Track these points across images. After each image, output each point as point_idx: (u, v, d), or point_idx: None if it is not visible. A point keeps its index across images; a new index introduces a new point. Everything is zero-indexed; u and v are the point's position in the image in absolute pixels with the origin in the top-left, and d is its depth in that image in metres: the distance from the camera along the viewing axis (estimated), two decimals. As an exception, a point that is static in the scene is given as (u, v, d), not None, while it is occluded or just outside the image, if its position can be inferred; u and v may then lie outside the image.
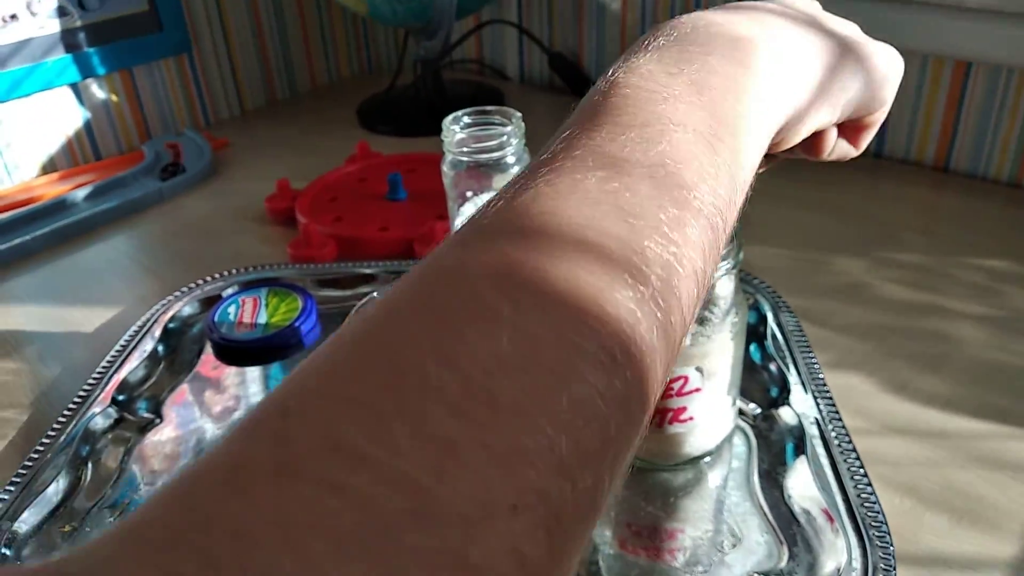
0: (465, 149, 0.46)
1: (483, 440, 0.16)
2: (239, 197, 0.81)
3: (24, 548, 0.43)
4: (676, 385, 0.43)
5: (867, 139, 0.37)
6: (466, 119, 0.47)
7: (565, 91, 1.02)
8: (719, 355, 0.43)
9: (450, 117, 0.46)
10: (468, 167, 0.46)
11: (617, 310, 0.20)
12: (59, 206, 0.79)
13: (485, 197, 0.48)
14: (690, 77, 0.26)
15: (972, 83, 0.73)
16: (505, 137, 0.45)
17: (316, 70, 1.10)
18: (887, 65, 0.34)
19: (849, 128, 0.36)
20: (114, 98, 0.91)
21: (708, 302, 0.43)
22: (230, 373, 0.56)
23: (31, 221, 0.77)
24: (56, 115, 0.87)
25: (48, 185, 0.85)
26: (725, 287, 0.43)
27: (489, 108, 0.47)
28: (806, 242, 0.66)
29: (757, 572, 0.39)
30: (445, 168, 0.47)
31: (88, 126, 0.90)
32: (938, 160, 0.77)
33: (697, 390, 0.43)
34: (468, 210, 0.49)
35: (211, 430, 0.51)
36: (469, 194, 0.48)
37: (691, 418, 0.44)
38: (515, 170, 0.47)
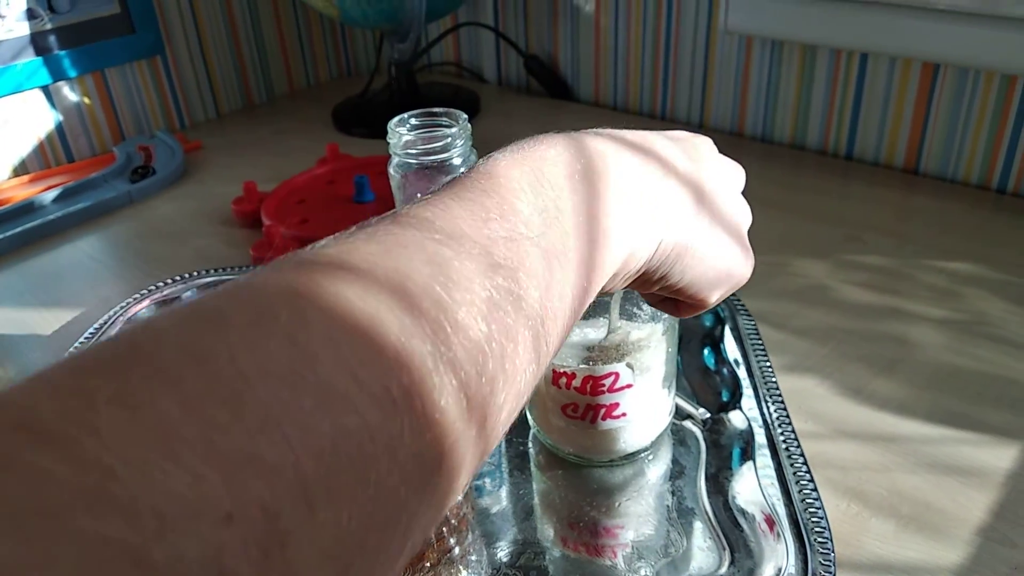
0: (412, 151, 0.45)
1: (211, 439, 0.15)
2: (207, 199, 0.81)
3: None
4: (607, 381, 0.43)
5: (692, 313, 0.36)
6: (413, 121, 0.47)
7: (542, 94, 1.02)
8: (650, 351, 0.42)
9: (396, 119, 0.46)
10: (416, 169, 0.46)
11: (411, 356, 0.19)
12: (27, 208, 0.79)
13: (435, 199, 0.48)
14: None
15: (940, 85, 0.72)
16: (450, 139, 0.45)
17: (294, 73, 1.09)
18: (734, 268, 0.34)
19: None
20: (86, 101, 0.91)
21: (637, 298, 0.42)
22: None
23: (-2, 224, 0.77)
24: (27, 118, 0.87)
25: (18, 187, 0.85)
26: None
27: (436, 110, 0.47)
28: (769, 245, 0.66)
29: (697, 577, 0.39)
30: (392, 171, 0.47)
31: (60, 128, 0.90)
32: (908, 162, 0.77)
33: (628, 386, 0.43)
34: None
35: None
36: (418, 196, 0.48)
37: (624, 414, 0.44)
38: (462, 171, 0.46)
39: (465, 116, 0.46)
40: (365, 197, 0.74)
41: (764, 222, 0.69)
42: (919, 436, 0.46)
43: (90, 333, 0.59)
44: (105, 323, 0.59)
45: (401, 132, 0.46)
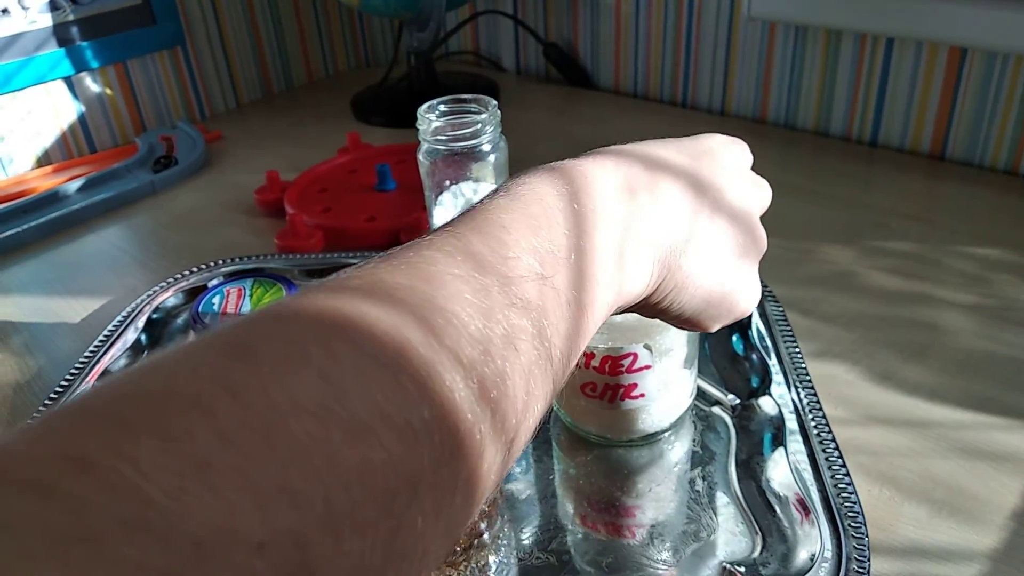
0: (441, 137, 0.45)
1: (244, 470, 0.16)
2: (230, 189, 0.81)
3: None
4: (625, 362, 0.43)
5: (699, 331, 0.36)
6: (442, 107, 0.47)
7: (561, 82, 1.02)
8: (670, 333, 0.42)
9: (425, 106, 0.46)
10: (444, 156, 0.46)
11: (432, 390, 0.20)
12: (52, 198, 0.80)
13: (463, 186, 0.48)
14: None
15: (968, 70, 0.71)
16: (480, 125, 0.45)
17: (312, 63, 1.10)
18: (742, 302, 0.34)
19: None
20: (108, 91, 0.92)
21: None
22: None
23: (23, 213, 0.78)
24: (50, 109, 0.88)
25: (42, 178, 0.85)
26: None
27: (465, 96, 0.46)
28: (796, 231, 0.65)
29: (730, 562, 0.38)
30: (421, 157, 0.47)
31: (83, 119, 0.90)
32: (934, 148, 0.76)
33: (647, 367, 0.43)
34: (446, 200, 0.48)
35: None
36: (447, 183, 0.48)
37: (643, 395, 0.44)
38: (491, 159, 0.46)
39: (495, 103, 0.46)
40: (387, 185, 0.74)
41: (789, 209, 0.69)
42: (951, 421, 0.46)
43: (118, 321, 0.59)
44: (133, 311, 0.60)
45: (430, 118, 0.46)
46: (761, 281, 0.57)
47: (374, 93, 1.00)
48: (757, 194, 0.35)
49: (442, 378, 0.20)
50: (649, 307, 0.32)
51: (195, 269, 0.64)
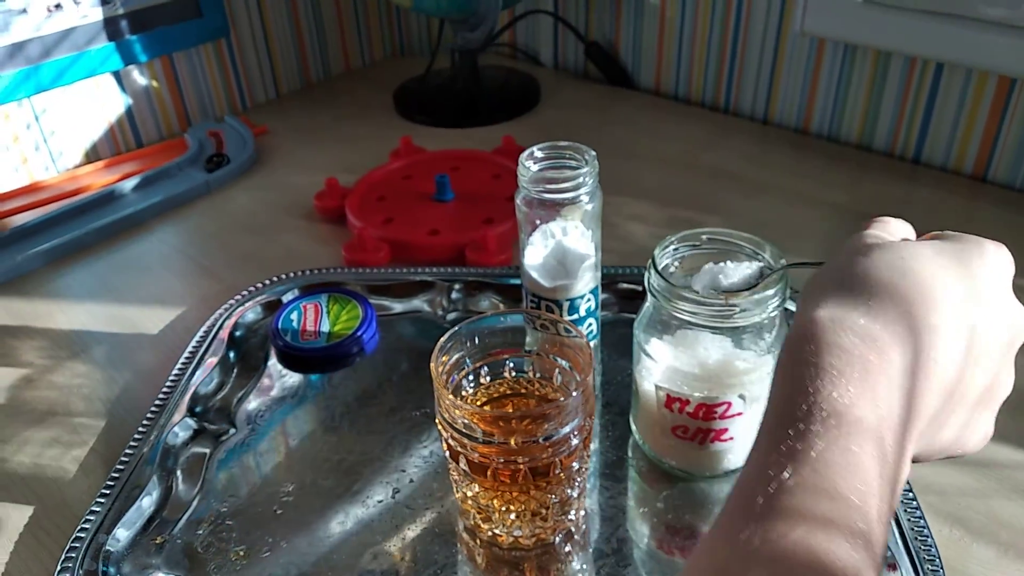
0: (542, 187, 0.47)
1: None
2: (285, 191, 0.82)
3: (123, 564, 0.45)
4: (719, 410, 0.45)
5: None
6: (538, 153, 0.48)
7: (600, 80, 1.03)
8: (761, 384, 0.45)
9: (525, 153, 0.48)
10: (543, 202, 0.48)
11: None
12: (107, 198, 0.81)
13: (553, 227, 0.50)
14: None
15: (1016, 98, 0.73)
16: (581, 178, 0.46)
17: (350, 53, 1.10)
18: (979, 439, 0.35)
19: None
20: (155, 84, 0.92)
21: (755, 336, 0.45)
22: (295, 379, 0.58)
23: (80, 214, 0.79)
24: (98, 103, 0.88)
25: (94, 174, 0.86)
26: (773, 324, 0.45)
27: (561, 144, 0.48)
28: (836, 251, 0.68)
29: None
30: (519, 202, 0.49)
31: (130, 113, 0.91)
32: (977, 169, 0.78)
33: (739, 414, 0.46)
34: (536, 240, 0.50)
35: (281, 438, 0.54)
36: (537, 222, 0.50)
37: (731, 438, 0.47)
38: (589, 208, 0.48)
39: (593, 153, 0.48)
40: (446, 196, 0.76)
41: (830, 229, 0.72)
42: (1013, 462, 0.49)
43: (200, 337, 0.61)
44: (213, 326, 0.62)
45: (529, 166, 0.47)
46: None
47: (415, 89, 1.01)
48: (1019, 326, 0.33)
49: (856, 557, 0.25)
50: None
51: (268, 282, 0.66)
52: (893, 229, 0.37)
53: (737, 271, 0.44)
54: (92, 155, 0.89)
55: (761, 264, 0.45)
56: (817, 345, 0.30)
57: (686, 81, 0.96)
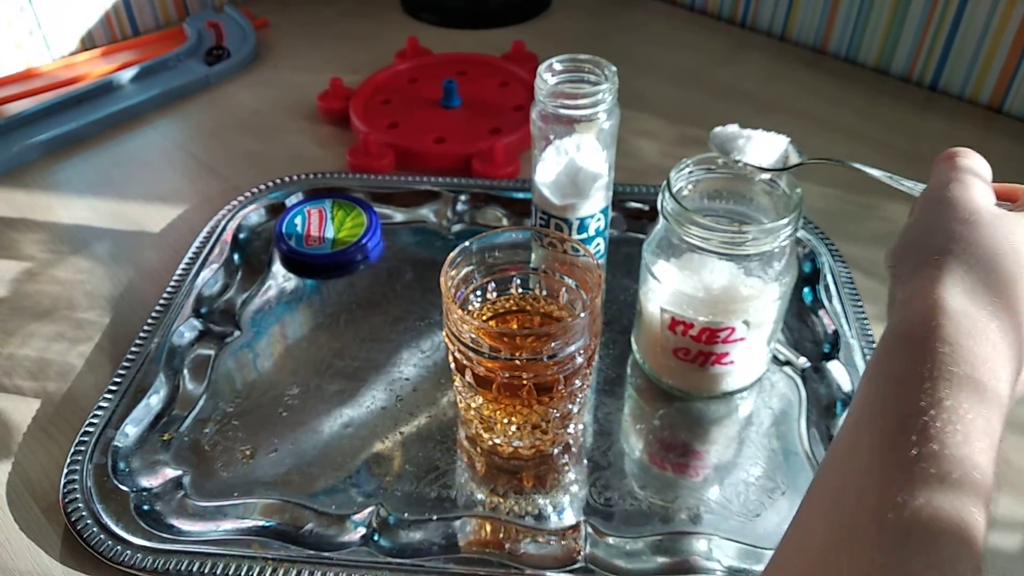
0: (559, 103, 0.46)
1: None
2: (288, 90, 0.80)
3: (131, 459, 0.46)
4: (723, 334, 0.46)
5: None
6: (557, 66, 0.47)
7: (614, -14, 0.99)
8: (765, 311, 0.45)
9: (544, 65, 0.46)
10: (559, 116, 0.47)
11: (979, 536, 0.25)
12: (106, 88, 0.79)
13: (566, 143, 0.49)
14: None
15: (1042, 25, 0.71)
16: (600, 95, 0.45)
17: (355, -57, 1.05)
18: None
19: None
20: (152, -31, 0.88)
21: (764, 264, 0.45)
22: (300, 283, 0.58)
23: (78, 104, 0.77)
24: (94, -14, 0.84)
25: (91, 62, 0.83)
26: (783, 252, 0.45)
27: (582, 57, 0.47)
28: (855, 183, 0.67)
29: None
30: (534, 116, 0.48)
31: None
32: (994, 100, 0.77)
33: (741, 339, 0.46)
34: (549, 156, 0.49)
35: (285, 342, 0.54)
36: (552, 136, 0.49)
37: (732, 362, 0.47)
38: (605, 125, 0.47)
39: (614, 69, 0.46)
40: (453, 102, 0.74)
41: (845, 154, 0.71)
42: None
43: (203, 237, 0.60)
44: (216, 227, 0.61)
45: (547, 78, 0.46)
46: (827, 238, 0.60)
47: (423, -14, 0.97)
48: None
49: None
50: None
51: (271, 184, 0.65)
52: (982, 170, 0.36)
53: (763, 143, 0.44)
54: (88, 42, 0.86)
55: (788, 140, 0.45)
56: (945, 343, 0.29)
57: (703, -9, 0.93)
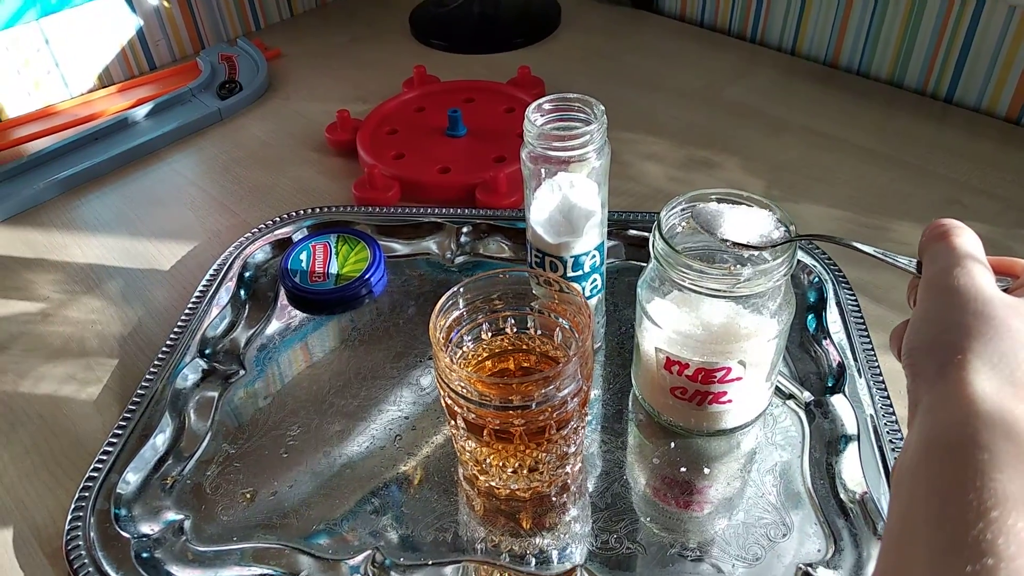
0: (548, 144, 0.46)
1: None
2: (296, 121, 0.81)
3: (133, 505, 0.47)
4: (719, 374, 0.45)
5: None
6: (546, 106, 0.47)
7: (624, 3, 0.98)
8: (762, 350, 0.45)
9: (532, 107, 0.46)
10: (548, 158, 0.47)
11: None
12: (122, 124, 0.80)
13: (560, 180, 0.49)
14: None
15: (1059, 36, 0.70)
16: (588, 136, 0.45)
17: (366, -31, 1.06)
18: None
19: None
20: (165, 4, 0.90)
21: (759, 302, 0.44)
22: (304, 320, 0.59)
23: (95, 141, 0.79)
24: (110, 23, 0.86)
25: (107, 99, 0.85)
26: (778, 291, 0.44)
27: (570, 96, 0.47)
28: (865, 203, 0.66)
29: (803, 563, 0.42)
30: (524, 157, 0.48)
31: (141, 34, 0.89)
32: (1011, 112, 0.75)
33: (738, 379, 0.45)
34: (543, 194, 0.49)
35: (288, 381, 0.55)
36: (543, 173, 0.49)
37: (730, 400, 0.47)
38: (596, 164, 0.47)
39: (602, 108, 0.46)
40: (458, 131, 0.74)
41: (857, 175, 0.69)
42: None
43: (210, 275, 0.61)
44: (224, 264, 0.62)
45: (536, 119, 0.46)
46: (833, 264, 0.59)
47: (433, 12, 0.98)
48: None
49: None
50: None
51: (277, 219, 0.66)
52: (977, 250, 0.35)
53: (747, 220, 0.43)
54: (105, 79, 0.88)
55: (776, 216, 0.43)
56: (984, 452, 0.28)
57: (713, 7, 0.92)
